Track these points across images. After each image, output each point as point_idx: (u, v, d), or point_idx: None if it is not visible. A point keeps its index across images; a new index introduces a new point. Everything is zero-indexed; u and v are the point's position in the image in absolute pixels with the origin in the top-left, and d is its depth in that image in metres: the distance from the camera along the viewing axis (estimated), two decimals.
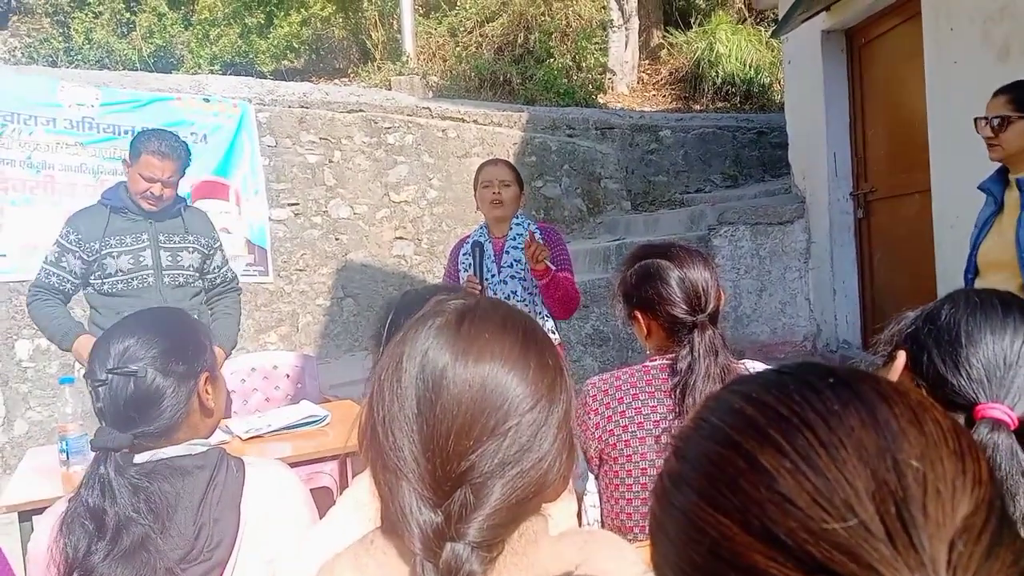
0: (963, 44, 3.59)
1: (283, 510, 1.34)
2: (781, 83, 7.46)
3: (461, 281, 3.03)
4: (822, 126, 5.01)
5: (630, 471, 1.67)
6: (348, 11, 8.92)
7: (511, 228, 3.08)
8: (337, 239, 5.70)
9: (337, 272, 5.67)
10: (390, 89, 7.05)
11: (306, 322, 5.54)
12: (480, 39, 8.64)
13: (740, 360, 1.72)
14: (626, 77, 8.95)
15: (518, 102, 7.65)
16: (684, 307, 1.65)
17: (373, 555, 0.81)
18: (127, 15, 7.62)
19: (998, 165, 2.58)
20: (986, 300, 0.96)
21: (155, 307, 1.76)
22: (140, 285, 2.87)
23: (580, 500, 1.75)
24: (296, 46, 8.26)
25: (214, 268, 3.10)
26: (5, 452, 4.50)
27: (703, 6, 9.81)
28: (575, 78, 8.42)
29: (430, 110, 6.19)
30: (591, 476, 1.77)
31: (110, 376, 1.29)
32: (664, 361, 1.70)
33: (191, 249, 2.99)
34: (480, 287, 2.85)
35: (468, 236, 3.21)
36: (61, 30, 7.62)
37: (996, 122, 2.47)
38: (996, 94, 2.51)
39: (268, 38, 7.82)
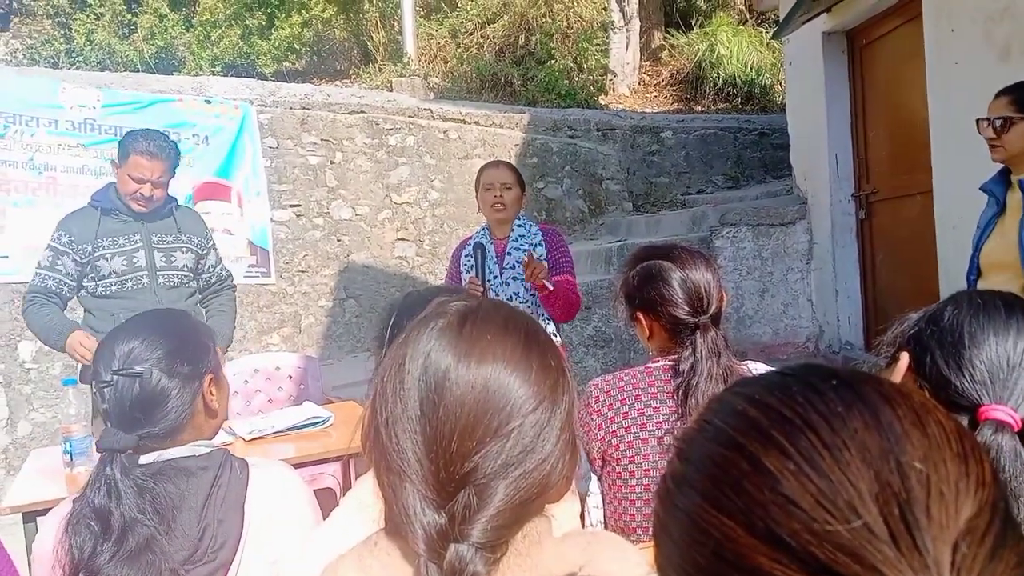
0: (964, 45, 3.58)
1: (287, 511, 1.34)
2: (782, 84, 7.46)
3: (463, 282, 3.04)
4: (823, 127, 5.00)
5: (633, 472, 1.67)
6: (349, 13, 8.91)
7: (513, 230, 3.08)
8: (339, 240, 5.70)
9: (339, 273, 5.67)
10: (391, 90, 7.05)
11: (308, 323, 5.55)
12: (481, 40, 8.63)
13: (743, 361, 1.72)
14: (627, 78, 8.95)
15: (519, 103, 7.64)
16: (686, 308, 1.65)
17: (377, 556, 0.81)
18: (128, 16, 7.62)
19: (1000, 166, 2.58)
20: (989, 301, 0.96)
21: (159, 308, 1.76)
22: (135, 286, 2.83)
23: (583, 501, 1.75)
24: (297, 48, 8.25)
25: (208, 267, 3.07)
26: (9, 453, 4.50)
27: (704, 7, 9.80)
28: (576, 79, 8.41)
29: (431, 111, 6.19)
30: (594, 477, 1.77)
31: (115, 377, 1.29)
32: (667, 362, 1.70)
33: (185, 249, 2.95)
34: (482, 288, 2.85)
35: (470, 237, 3.21)
36: (62, 31, 7.62)
37: (998, 123, 2.47)
38: (998, 95, 2.51)
39: (269, 40, 7.81)
